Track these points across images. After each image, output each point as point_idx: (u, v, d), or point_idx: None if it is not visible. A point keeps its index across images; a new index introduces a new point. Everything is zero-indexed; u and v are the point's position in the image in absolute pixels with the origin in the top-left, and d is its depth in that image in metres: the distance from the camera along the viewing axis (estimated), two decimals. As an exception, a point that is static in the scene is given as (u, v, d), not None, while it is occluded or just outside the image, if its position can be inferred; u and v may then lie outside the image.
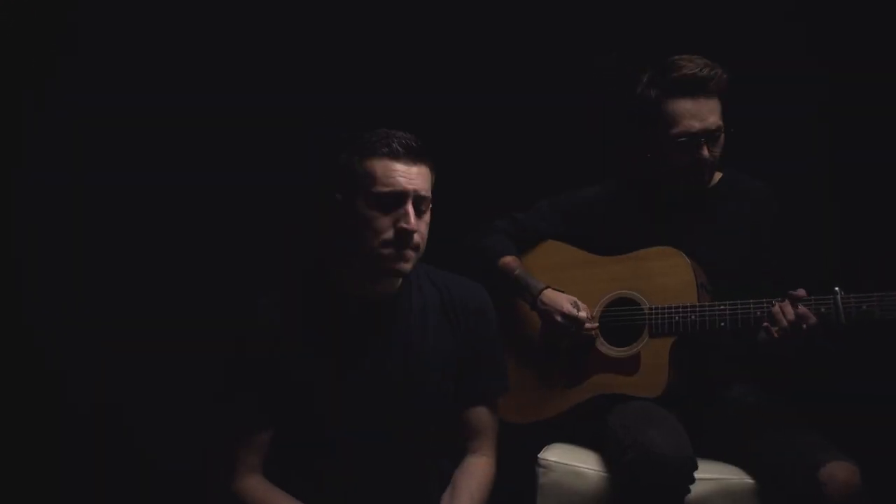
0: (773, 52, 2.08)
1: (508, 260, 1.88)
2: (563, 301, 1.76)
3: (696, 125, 1.71)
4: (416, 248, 1.47)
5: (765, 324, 1.57)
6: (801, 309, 1.53)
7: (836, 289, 1.53)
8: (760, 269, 1.77)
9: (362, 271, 1.51)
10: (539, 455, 1.76)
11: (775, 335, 1.55)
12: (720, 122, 1.73)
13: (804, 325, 1.52)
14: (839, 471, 1.47)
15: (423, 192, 1.47)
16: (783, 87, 2.08)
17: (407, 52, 2.25)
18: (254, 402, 1.50)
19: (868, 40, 2.03)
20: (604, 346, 1.78)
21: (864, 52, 2.03)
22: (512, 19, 2.26)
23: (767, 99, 2.03)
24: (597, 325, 1.77)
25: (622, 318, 1.77)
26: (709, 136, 1.72)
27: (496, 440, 1.65)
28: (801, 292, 1.57)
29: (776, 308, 1.56)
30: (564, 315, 1.74)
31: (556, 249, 1.92)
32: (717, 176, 1.86)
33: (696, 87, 1.71)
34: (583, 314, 1.74)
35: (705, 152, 1.72)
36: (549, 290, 1.79)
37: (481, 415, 1.62)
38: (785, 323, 1.54)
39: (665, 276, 1.74)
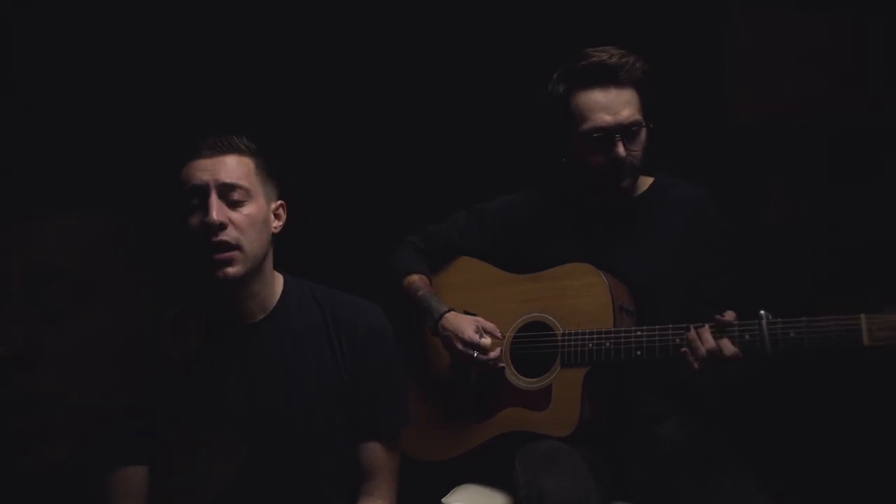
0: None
1: (414, 279, 1.68)
2: (465, 326, 1.56)
3: (608, 118, 1.51)
4: (229, 246, 1.33)
5: (682, 350, 1.37)
6: (721, 341, 1.32)
7: (762, 312, 1.32)
8: (693, 288, 1.57)
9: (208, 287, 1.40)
10: (443, 499, 1.57)
11: (694, 366, 1.34)
12: (637, 116, 1.53)
13: (722, 355, 1.31)
14: None
15: (227, 181, 1.36)
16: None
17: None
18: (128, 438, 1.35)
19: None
20: (514, 377, 1.58)
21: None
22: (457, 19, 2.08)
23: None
24: (498, 353, 1.57)
25: (534, 345, 1.57)
26: (623, 131, 1.52)
27: (394, 481, 1.46)
28: (730, 315, 1.36)
29: (692, 334, 1.35)
30: (465, 342, 1.55)
31: (469, 267, 1.72)
32: (647, 181, 1.66)
33: (605, 77, 1.51)
34: (486, 340, 1.54)
35: (620, 150, 1.52)
36: (452, 313, 1.60)
37: (376, 452, 1.44)
38: (702, 351, 1.33)
39: (580, 297, 1.54)
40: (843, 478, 1.67)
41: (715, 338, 1.34)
